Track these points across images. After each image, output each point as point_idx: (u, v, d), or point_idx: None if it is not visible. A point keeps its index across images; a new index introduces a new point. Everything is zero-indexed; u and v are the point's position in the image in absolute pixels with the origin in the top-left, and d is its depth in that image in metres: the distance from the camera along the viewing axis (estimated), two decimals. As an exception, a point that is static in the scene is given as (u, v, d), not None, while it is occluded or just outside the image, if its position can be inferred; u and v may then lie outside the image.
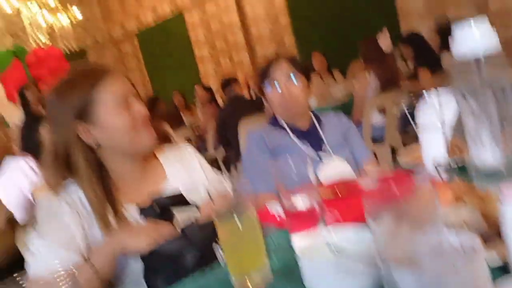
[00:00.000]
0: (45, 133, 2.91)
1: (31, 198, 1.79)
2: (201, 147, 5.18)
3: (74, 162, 1.03)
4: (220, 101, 5.65)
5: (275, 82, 1.54)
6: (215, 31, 7.33)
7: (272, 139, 1.52)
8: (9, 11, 5.75)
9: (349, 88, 4.57)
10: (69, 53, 6.93)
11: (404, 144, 3.77)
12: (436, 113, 0.99)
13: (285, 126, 1.55)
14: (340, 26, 5.85)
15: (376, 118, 3.40)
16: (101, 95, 1.03)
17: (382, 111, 3.40)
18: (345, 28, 5.79)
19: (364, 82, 3.40)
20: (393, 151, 3.61)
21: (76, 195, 1.02)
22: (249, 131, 1.60)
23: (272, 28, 6.61)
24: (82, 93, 1.03)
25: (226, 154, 4.42)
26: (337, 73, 5.04)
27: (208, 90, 5.65)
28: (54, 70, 7.44)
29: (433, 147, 1.02)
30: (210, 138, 4.91)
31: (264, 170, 1.48)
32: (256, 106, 4.17)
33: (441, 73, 3.61)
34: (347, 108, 3.72)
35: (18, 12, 5.77)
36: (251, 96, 5.79)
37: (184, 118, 6.07)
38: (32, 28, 5.85)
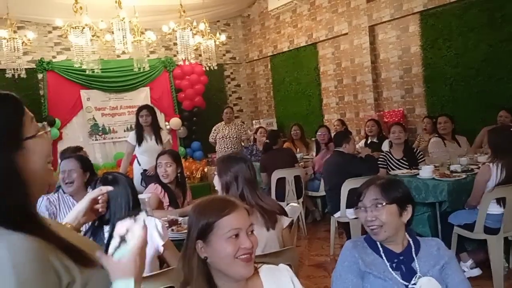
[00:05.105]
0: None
1: (160, 250, 2.16)
2: (311, 186, 5.42)
3: (190, 269, 1.29)
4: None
5: (363, 207, 1.65)
6: (345, 67, 7.46)
7: (365, 260, 1.61)
8: (165, 30, 6.54)
9: (472, 158, 4.38)
10: (208, 69, 7.57)
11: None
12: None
13: (380, 248, 1.65)
14: (476, 89, 5.57)
15: (493, 208, 3.26)
16: (220, 225, 1.27)
17: (501, 200, 3.25)
18: (481, 93, 5.50)
19: (487, 171, 3.26)
20: (507, 243, 3.42)
21: None
22: (346, 246, 1.69)
23: (402, 75, 6.53)
24: (208, 220, 1.29)
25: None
26: (462, 140, 4.81)
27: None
28: (194, 83, 8.29)
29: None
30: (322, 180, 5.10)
31: None
32: (361, 167, 4.24)
33: None
34: (463, 186, 3.61)
35: (173, 31, 6.52)
36: (367, 139, 5.84)
37: (296, 150, 6.33)
38: (182, 45, 6.55)
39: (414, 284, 1.55)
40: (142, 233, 0.99)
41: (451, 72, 5.84)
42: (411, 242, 1.67)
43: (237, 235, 1.27)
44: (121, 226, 1.00)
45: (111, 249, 1.00)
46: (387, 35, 6.67)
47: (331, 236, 4.33)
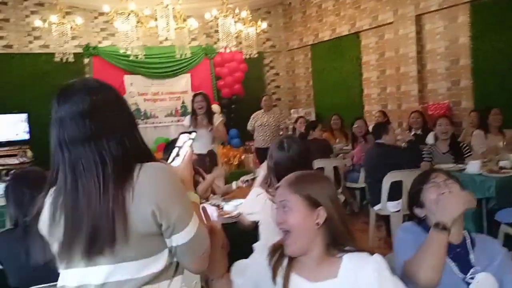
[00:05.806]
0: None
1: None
2: (350, 177, 5.37)
3: None
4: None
5: (435, 183, 1.66)
6: (388, 57, 7.29)
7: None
8: (207, 17, 6.58)
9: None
10: (248, 57, 7.55)
11: None
12: None
13: None
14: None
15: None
16: None
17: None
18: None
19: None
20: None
21: None
22: (405, 225, 1.74)
23: (449, 66, 6.31)
24: None
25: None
26: (510, 133, 4.62)
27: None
28: (233, 71, 8.33)
29: None
30: (362, 172, 5.05)
31: None
32: (401, 158, 4.15)
33: None
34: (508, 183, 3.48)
35: (215, 18, 6.55)
36: (410, 131, 5.72)
37: (335, 140, 6.28)
38: (224, 33, 6.56)
39: (472, 277, 1.53)
40: (189, 151, 1.34)
41: (501, 65, 5.60)
42: (467, 234, 1.66)
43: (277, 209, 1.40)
44: (181, 139, 1.36)
45: (172, 156, 1.35)
46: (435, 25, 6.45)
47: (370, 228, 4.28)
